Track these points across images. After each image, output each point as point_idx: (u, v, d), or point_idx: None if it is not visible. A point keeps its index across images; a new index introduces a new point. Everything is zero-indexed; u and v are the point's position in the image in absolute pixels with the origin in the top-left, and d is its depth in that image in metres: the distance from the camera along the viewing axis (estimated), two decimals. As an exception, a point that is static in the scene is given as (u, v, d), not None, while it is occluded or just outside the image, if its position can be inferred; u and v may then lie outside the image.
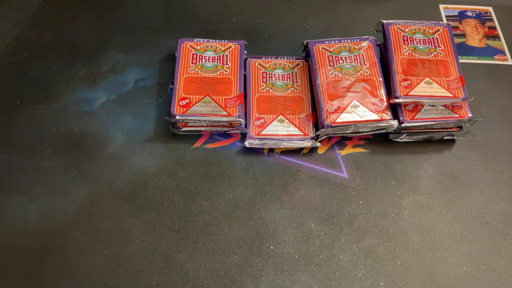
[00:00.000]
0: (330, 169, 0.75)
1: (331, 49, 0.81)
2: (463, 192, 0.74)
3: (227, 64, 0.81)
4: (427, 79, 0.77)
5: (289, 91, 0.80)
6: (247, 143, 0.76)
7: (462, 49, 0.91)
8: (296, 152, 0.77)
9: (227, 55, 0.82)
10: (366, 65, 0.79)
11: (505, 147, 0.79)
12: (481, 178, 0.75)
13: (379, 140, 0.79)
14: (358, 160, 0.76)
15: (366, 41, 0.82)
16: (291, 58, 0.84)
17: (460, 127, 0.77)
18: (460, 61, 0.81)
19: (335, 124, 0.74)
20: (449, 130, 0.77)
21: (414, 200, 0.73)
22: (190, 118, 0.75)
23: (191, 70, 0.80)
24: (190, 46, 0.83)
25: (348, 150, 0.77)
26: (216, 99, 0.77)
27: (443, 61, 0.79)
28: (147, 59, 0.88)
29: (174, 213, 0.70)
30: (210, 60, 0.81)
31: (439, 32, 0.82)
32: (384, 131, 0.77)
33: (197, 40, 0.84)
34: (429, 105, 0.76)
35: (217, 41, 0.83)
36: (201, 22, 0.94)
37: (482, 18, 0.96)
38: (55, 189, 0.72)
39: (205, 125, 0.77)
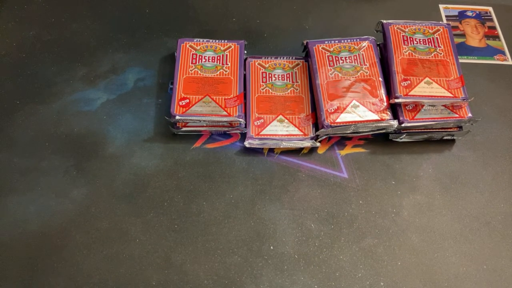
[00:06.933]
0: (330, 169, 0.75)
1: (331, 49, 0.81)
2: (463, 192, 0.74)
3: (227, 64, 0.81)
4: (427, 79, 0.77)
5: (289, 91, 0.80)
6: (247, 143, 0.76)
7: (462, 49, 0.91)
8: (296, 152, 0.77)
9: (227, 55, 0.82)
10: (366, 65, 0.79)
11: (505, 147, 0.79)
12: (481, 178, 0.75)
13: (379, 140, 0.79)
14: (358, 160, 0.76)
15: (366, 41, 0.82)
16: (291, 58, 0.84)
17: (460, 127, 0.77)
18: (460, 61, 0.81)
19: (335, 124, 0.74)
20: (449, 130, 0.77)
21: (414, 200, 0.73)
22: (190, 118, 0.75)
23: (191, 70, 0.80)
24: (190, 46, 0.83)
25: (348, 150, 0.77)
26: (216, 99, 0.77)
27: (443, 61, 0.79)
28: (147, 59, 0.88)
29: (173, 213, 0.70)
30: (210, 60, 0.81)
31: (439, 32, 0.82)
32: (384, 131, 0.77)
33: (197, 40, 0.84)
34: (429, 105, 0.76)
35: (217, 41, 0.83)
36: (201, 22, 0.94)
37: (482, 18, 0.96)
38: (55, 189, 0.72)
39: (205, 125, 0.77)
